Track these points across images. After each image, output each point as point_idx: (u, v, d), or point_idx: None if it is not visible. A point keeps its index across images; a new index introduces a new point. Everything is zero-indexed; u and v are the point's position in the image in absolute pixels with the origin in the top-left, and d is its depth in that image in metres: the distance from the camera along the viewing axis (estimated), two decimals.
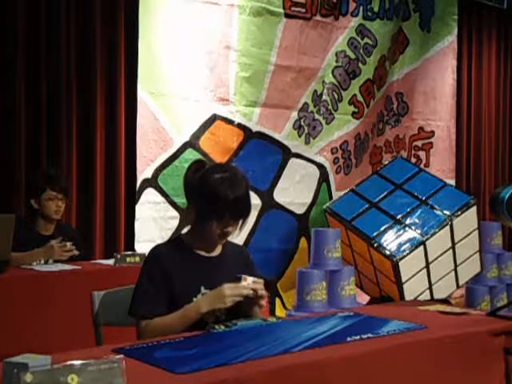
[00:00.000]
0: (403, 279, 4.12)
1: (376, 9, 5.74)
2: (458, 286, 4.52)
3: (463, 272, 4.48)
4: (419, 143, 6.35)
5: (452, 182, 6.21)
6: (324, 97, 5.50)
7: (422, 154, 6.36)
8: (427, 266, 4.25)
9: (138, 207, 4.54)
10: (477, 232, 4.48)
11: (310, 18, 5.31)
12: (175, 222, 4.67)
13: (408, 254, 4.11)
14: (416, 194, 4.47)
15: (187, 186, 2.32)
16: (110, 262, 3.72)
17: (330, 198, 5.49)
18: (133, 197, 4.54)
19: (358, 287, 4.51)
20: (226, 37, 4.87)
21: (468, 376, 2.14)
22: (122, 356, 1.42)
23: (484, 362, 2.18)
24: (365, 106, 5.76)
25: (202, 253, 2.31)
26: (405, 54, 6.12)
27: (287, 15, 5.17)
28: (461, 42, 6.61)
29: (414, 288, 4.16)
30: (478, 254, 4.53)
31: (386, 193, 4.53)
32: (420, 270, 4.22)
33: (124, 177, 4.53)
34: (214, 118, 4.86)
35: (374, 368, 1.89)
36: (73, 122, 4.32)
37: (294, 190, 5.38)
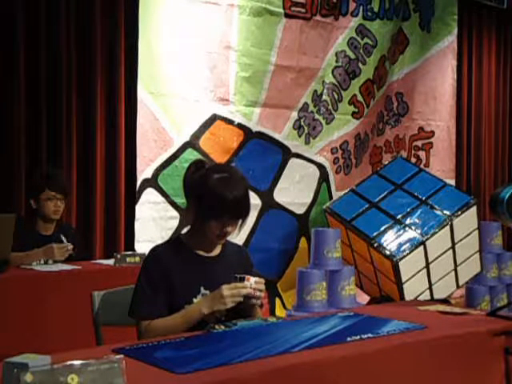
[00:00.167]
0: (403, 279, 4.12)
1: (376, 9, 5.74)
2: (457, 286, 4.52)
3: (463, 272, 4.48)
4: (419, 143, 6.35)
5: (452, 182, 6.21)
6: (324, 97, 5.50)
7: (421, 154, 6.36)
8: (427, 266, 4.25)
9: (137, 207, 4.54)
10: (477, 232, 4.48)
11: (310, 18, 5.31)
12: (175, 222, 4.67)
13: (408, 254, 4.11)
14: (416, 194, 4.47)
15: (187, 186, 2.32)
16: (110, 262, 3.72)
17: (330, 198, 5.49)
18: (133, 197, 4.54)
19: (358, 287, 4.51)
20: (226, 37, 4.87)
21: (468, 376, 2.14)
22: (121, 356, 1.42)
23: (484, 362, 2.18)
24: (365, 106, 5.76)
25: (202, 253, 2.31)
26: (405, 54, 6.12)
27: (287, 15, 5.17)
28: (461, 42, 6.61)
29: (414, 288, 4.16)
30: (478, 253, 4.52)
31: (385, 193, 4.53)
32: (420, 270, 4.22)
33: (124, 177, 4.53)
34: (213, 118, 4.86)
35: (374, 368, 1.89)
36: (73, 122, 4.32)
37: (294, 190, 5.38)
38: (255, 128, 5.11)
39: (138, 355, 1.74)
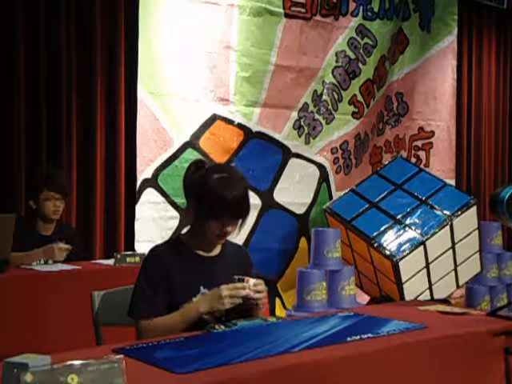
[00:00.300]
0: (403, 279, 4.12)
1: (376, 9, 5.74)
2: (457, 286, 4.52)
3: (463, 272, 4.48)
4: (419, 143, 6.35)
5: (452, 182, 6.21)
6: (324, 97, 5.49)
7: (421, 154, 6.36)
8: (427, 266, 4.25)
9: (138, 207, 4.54)
10: (477, 232, 4.48)
11: (310, 18, 5.31)
12: (175, 222, 4.66)
13: (408, 254, 4.11)
14: (416, 194, 4.47)
15: (187, 186, 2.32)
16: (110, 262, 3.72)
17: (330, 198, 5.49)
18: (133, 197, 4.54)
19: (358, 287, 4.51)
20: (226, 37, 4.87)
21: (468, 376, 2.14)
22: (121, 356, 1.42)
23: (484, 362, 2.18)
24: (365, 106, 5.76)
25: (202, 253, 2.31)
26: (405, 54, 6.12)
27: (287, 15, 5.17)
28: (461, 42, 6.61)
29: (414, 288, 4.16)
30: (478, 253, 4.53)
31: (386, 193, 4.53)
32: (420, 270, 4.22)
33: (124, 177, 4.53)
34: (213, 118, 4.86)
35: (374, 368, 1.89)
36: (73, 122, 4.32)
37: (294, 190, 5.38)
38: (255, 128, 5.10)
39: (138, 355, 1.74)
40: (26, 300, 3.23)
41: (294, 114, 5.33)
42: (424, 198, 4.43)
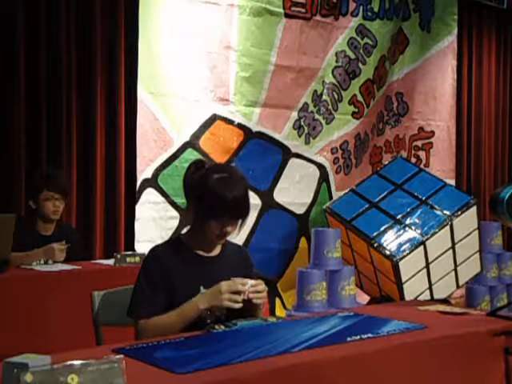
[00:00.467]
0: (403, 279, 4.12)
1: (376, 9, 5.74)
2: (457, 286, 4.52)
3: (463, 272, 4.48)
4: (419, 143, 6.35)
5: (452, 182, 6.21)
6: (324, 97, 5.49)
7: (421, 154, 6.36)
8: (427, 266, 4.25)
9: (138, 207, 4.54)
10: (477, 232, 4.48)
11: (310, 18, 5.31)
12: (175, 222, 4.66)
13: (408, 254, 4.11)
14: (416, 194, 4.47)
15: (187, 186, 2.32)
16: (110, 262, 3.72)
17: (330, 198, 5.49)
18: (133, 197, 4.54)
19: (358, 287, 4.51)
20: (226, 37, 4.87)
21: (468, 376, 2.14)
22: (121, 356, 1.42)
23: (484, 362, 2.18)
24: (365, 106, 5.76)
25: (202, 253, 2.31)
26: (405, 54, 6.12)
27: (287, 15, 5.17)
28: (461, 42, 6.61)
29: (414, 288, 4.16)
30: (478, 253, 4.53)
31: (386, 193, 4.53)
32: (420, 270, 4.22)
33: (124, 177, 4.53)
34: (213, 118, 4.86)
35: (374, 368, 1.89)
36: (73, 122, 4.32)
37: (294, 190, 5.37)
38: (255, 128, 5.10)
39: (138, 355, 1.74)
40: (26, 300, 3.23)
41: (294, 114, 5.33)
42: (424, 198, 4.43)
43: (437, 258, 4.28)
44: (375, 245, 4.17)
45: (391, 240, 4.18)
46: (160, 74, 4.59)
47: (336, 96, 5.58)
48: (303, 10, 5.26)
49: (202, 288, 2.22)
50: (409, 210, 4.37)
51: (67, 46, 4.29)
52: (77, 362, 1.34)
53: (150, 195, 4.59)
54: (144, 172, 4.57)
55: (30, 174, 4.08)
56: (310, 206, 5.48)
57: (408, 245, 4.15)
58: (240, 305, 2.13)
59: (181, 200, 4.56)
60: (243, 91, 4.98)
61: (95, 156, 4.42)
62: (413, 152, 6.31)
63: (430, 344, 2.05)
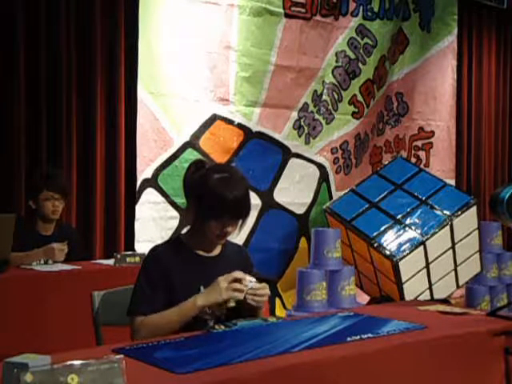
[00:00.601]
0: (403, 279, 4.12)
1: (376, 9, 5.74)
2: (458, 286, 4.52)
3: (463, 272, 4.48)
4: (419, 143, 6.35)
5: (452, 182, 6.21)
6: (324, 97, 5.49)
7: (421, 154, 6.36)
8: (427, 266, 4.25)
9: (138, 207, 4.54)
10: (477, 232, 4.48)
11: (310, 18, 5.31)
12: (175, 222, 4.66)
13: (408, 254, 4.11)
14: (416, 194, 4.47)
15: (187, 186, 2.32)
16: (110, 262, 3.72)
17: (330, 198, 5.49)
18: (133, 197, 4.54)
19: (358, 287, 4.51)
20: (226, 37, 4.87)
21: (468, 376, 2.14)
22: (121, 356, 1.42)
23: (484, 362, 2.18)
24: (365, 106, 5.76)
25: (202, 253, 2.31)
26: (405, 54, 6.12)
27: (287, 15, 5.17)
28: (461, 42, 6.61)
29: (414, 288, 4.16)
30: (478, 253, 4.53)
31: (386, 193, 4.53)
32: (420, 270, 4.22)
33: (124, 177, 4.53)
34: (213, 118, 4.86)
35: (374, 368, 1.89)
36: (73, 122, 4.32)
37: (294, 190, 5.37)
38: (255, 128, 5.10)
39: (138, 355, 1.74)
40: (26, 300, 3.23)
41: (294, 114, 5.33)
42: (424, 198, 4.43)
43: (437, 258, 4.28)
44: (375, 245, 4.17)
45: (391, 240, 4.18)
46: (160, 74, 4.59)
47: (336, 96, 5.58)
48: (303, 10, 5.26)
49: (202, 288, 2.21)
50: (409, 209, 4.37)
51: (67, 46, 4.29)
52: (77, 362, 1.34)
53: (150, 195, 4.59)
54: (144, 172, 4.57)
55: (30, 174, 4.08)
56: (310, 206, 5.48)
57: (408, 245, 4.15)
58: (241, 295, 2.11)
59: (181, 200, 4.56)
60: (243, 91, 4.98)
61: (95, 156, 4.42)
62: (413, 152, 6.31)
63: (430, 344, 2.05)
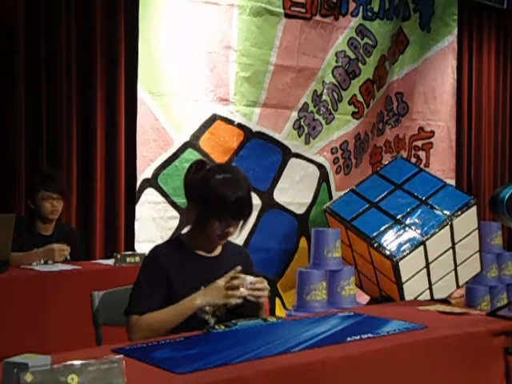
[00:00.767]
0: (403, 279, 4.12)
1: (376, 9, 5.74)
2: (457, 286, 4.52)
3: (463, 272, 4.48)
4: (419, 143, 6.35)
5: (452, 182, 6.21)
6: (324, 97, 5.50)
7: (421, 154, 6.36)
8: (427, 266, 4.25)
9: (138, 207, 4.54)
10: (477, 232, 4.48)
11: (310, 17, 5.31)
12: (175, 222, 4.66)
13: (408, 254, 4.11)
14: (416, 194, 4.47)
15: (188, 187, 2.31)
16: (110, 262, 3.72)
17: (330, 198, 5.50)
18: (133, 197, 4.54)
19: (358, 287, 4.51)
20: (226, 37, 4.87)
21: (468, 376, 2.14)
22: (121, 356, 1.42)
23: (484, 362, 2.18)
24: (365, 106, 5.76)
25: (202, 253, 2.31)
26: (405, 54, 6.12)
27: (287, 15, 5.17)
28: (461, 42, 6.61)
29: (414, 288, 4.17)
30: (477, 254, 4.53)
31: (385, 193, 4.53)
32: (420, 270, 4.22)
33: (124, 177, 4.53)
34: (213, 118, 4.86)
35: (374, 368, 1.89)
36: (73, 121, 4.32)
37: (294, 190, 5.38)
38: (255, 128, 5.10)
39: (138, 355, 1.74)
40: (26, 300, 3.23)
41: (294, 114, 5.33)
42: (424, 198, 4.43)
43: (437, 258, 4.28)
44: (375, 245, 4.17)
45: (391, 240, 4.18)
46: (160, 74, 4.59)
47: (336, 96, 5.58)
48: (303, 10, 5.26)
49: (202, 288, 2.21)
50: (409, 209, 4.37)
51: (67, 46, 4.29)
52: (77, 362, 1.34)
53: (150, 195, 4.59)
54: (144, 172, 4.57)
55: (30, 174, 4.08)
56: (309, 206, 5.48)
57: (408, 245, 4.15)
58: (239, 300, 2.12)
59: (181, 200, 4.56)
60: (243, 91, 4.98)
61: (95, 156, 4.42)
62: (413, 152, 6.31)
63: (429, 344, 2.05)
